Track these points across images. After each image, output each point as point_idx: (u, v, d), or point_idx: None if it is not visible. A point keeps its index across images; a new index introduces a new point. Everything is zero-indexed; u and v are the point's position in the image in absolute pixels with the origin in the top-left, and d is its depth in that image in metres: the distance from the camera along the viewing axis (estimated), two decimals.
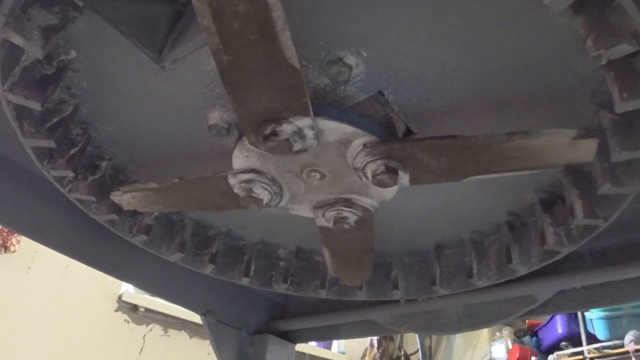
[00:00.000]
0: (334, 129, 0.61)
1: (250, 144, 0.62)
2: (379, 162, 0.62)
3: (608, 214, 0.69)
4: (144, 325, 2.58)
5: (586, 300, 0.89)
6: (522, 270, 0.83)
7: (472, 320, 0.96)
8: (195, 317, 2.50)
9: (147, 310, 2.58)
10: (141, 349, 2.54)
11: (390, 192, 0.70)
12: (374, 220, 0.72)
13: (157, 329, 2.61)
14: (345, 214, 0.69)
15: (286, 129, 0.59)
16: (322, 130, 0.61)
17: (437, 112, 0.65)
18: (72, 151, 0.74)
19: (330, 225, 0.71)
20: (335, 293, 1.00)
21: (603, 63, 0.49)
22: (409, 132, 0.69)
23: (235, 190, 0.67)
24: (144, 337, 2.55)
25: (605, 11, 0.47)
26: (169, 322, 2.65)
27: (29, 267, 2.37)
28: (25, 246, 2.29)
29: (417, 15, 0.56)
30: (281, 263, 1.01)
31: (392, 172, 0.62)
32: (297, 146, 0.61)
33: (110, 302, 2.51)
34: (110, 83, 0.71)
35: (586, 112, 0.63)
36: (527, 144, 0.54)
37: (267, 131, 0.59)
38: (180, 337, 2.67)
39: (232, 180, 0.67)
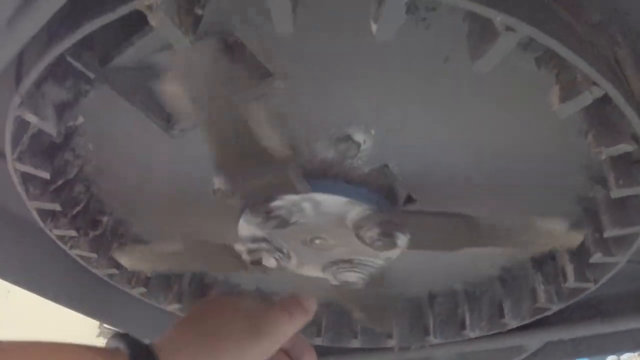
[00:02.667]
0: (330, 201, 0.64)
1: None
2: (377, 229, 0.64)
3: (598, 278, 0.73)
4: None
5: (573, 351, 0.92)
6: (513, 324, 0.86)
7: None
8: None
9: None
10: None
11: (395, 252, 0.72)
12: (383, 277, 0.75)
13: None
14: (354, 276, 0.71)
15: (281, 204, 0.62)
16: (318, 202, 0.64)
17: (439, 184, 0.67)
18: (75, 210, 0.74)
19: (341, 284, 0.73)
20: (330, 340, 1.01)
21: (603, 158, 0.51)
22: (409, 199, 0.72)
23: (243, 257, 0.69)
24: None
25: (606, 108, 0.50)
26: None
27: (8, 291, 2.32)
28: None
29: (425, 96, 0.58)
30: None
31: (390, 238, 0.65)
32: (295, 219, 0.64)
33: (92, 327, 2.47)
34: (115, 144, 0.71)
35: (580, 185, 0.66)
36: (523, 228, 0.57)
37: (264, 209, 0.62)
38: None
39: (239, 248, 0.69)
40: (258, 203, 0.63)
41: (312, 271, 0.75)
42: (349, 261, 0.72)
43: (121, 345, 0.50)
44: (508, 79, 0.51)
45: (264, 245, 0.68)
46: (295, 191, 0.61)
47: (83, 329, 2.45)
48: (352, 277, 0.71)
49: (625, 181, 0.54)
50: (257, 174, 0.60)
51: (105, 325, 2.50)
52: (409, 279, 0.95)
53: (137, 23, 0.56)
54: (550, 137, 0.61)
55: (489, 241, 0.63)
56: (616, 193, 0.55)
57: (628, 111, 0.46)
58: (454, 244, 0.65)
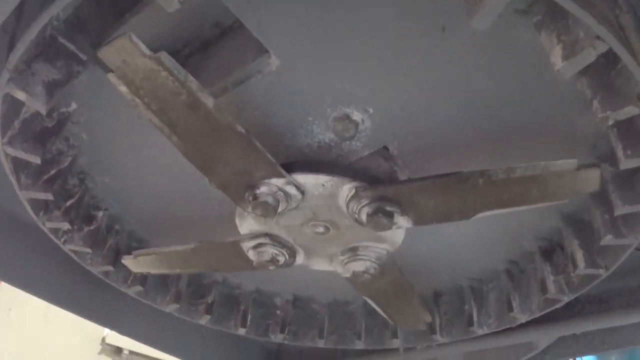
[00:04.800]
0: (315, 181, 0.61)
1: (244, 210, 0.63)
2: (371, 206, 0.60)
3: (609, 264, 0.70)
4: None
5: (586, 346, 0.89)
6: (523, 318, 0.82)
7: None
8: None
9: (131, 352, 2.50)
10: None
11: (398, 235, 0.69)
12: (396, 262, 0.72)
13: None
14: (361, 264, 0.68)
15: (264, 191, 0.59)
16: (304, 185, 0.61)
17: (440, 166, 0.65)
18: (69, 202, 0.73)
19: (351, 275, 0.70)
20: (333, 342, 0.98)
21: (610, 124, 0.49)
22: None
23: (249, 255, 0.67)
24: None
25: (610, 73, 0.48)
26: None
27: (9, 309, 2.29)
28: (6, 287, 2.21)
29: (424, 71, 0.56)
30: (278, 312, 0.99)
31: (386, 214, 0.61)
32: (283, 205, 0.61)
33: (94, 344, 2.42)
34: (110, 135, 0.70)
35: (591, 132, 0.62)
36: (527, 176, 0.53)
37: (249, 197, 0.60)
38: None
39: (244, 246, 0.67)
40: (242, 191, 0.61)
41: (320, 264, 0.72)
42: (354, 249, 0.70)
43: None
44: (508, 47, 0.50)
45: (267, 240, 0.66)
46: (277, 174, 0.59)
47: (84, 346, 2.41)
48: (360, 265, 0.69)
49: (635, 151, 0.52)
50: (231, 161, 0.57)
51: (107, 342, 2.47)
52: (413, 278, 0.93)
53: (128, 6, 0.56)
54: (554, 114, 0.59)
55: (495, 202, 0.58)
56: (625, 164, 0.53)
57: (634, 68, 0.44)
58: (466, 210, 0.59)
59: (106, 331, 2.46)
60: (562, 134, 0.61)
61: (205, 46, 0.61)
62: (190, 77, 0.50)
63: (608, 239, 0.65)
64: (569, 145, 0.62)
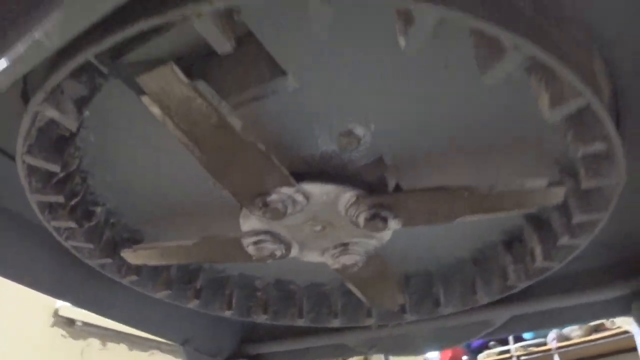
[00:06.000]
0: (320, 190, 0.68)
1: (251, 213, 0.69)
2: (368, 212, 0.69)
3: (562, 259, 0.82)
4: (82, 340, 2.50)
5: (536, 323, 1.02)
6: (485, 301, 0.94)
7: (437, 342, 1.07)
8: (134, 330, 2.46)
9: (85, 323, 2.50)
10: None
11: (387, 234, 0.77)
12: (381, 255, 0.80)
13: (95, 342, 2.54)
14: (351, 258, 0.76)
15: (275, 198, 0.66)
16: (310, 193, 0.68)
17: (429, 174, 0.73)
18: (74, 202, 0.75)
19: (341, 267, 0.78)
20: (311, 320, 1.06)
21: (579, 155, 0.59)
22: (398, 187, 0.77)
23: (248, 250, 0.73)
24: (81, 352, 2.47)
25: (583, 113, 0.57)
26: (107, 335, 2.58)
27: None
28: None
29: (425, 96, 0.64)
30: (259, 294, 1.06)
31: (381, 219, 0.70)
32: (290, 210, 0.69)
33: (46, 316, 2.41)
34: (114, 133, 0.73)
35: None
36: (506, 191, 0.63)
37: (260, 204, 0.66)
38: (119, 350, 2.61)
39: (245, 242, 0.72)
40: (254, 198, 0.67)
41: (313, 257, 0.79)
42: (345, 244, 0.77)
43: None
44: (503, 83, 0.58)
45: (267, 237, 0.72)
46: (288, 184, 0.65)
47: (37, 319, 2.39)
48: (350, 259, 0.76)
49: (594, 175, 0.62)
50: (248, 173, 0.63)
51: (60, 314, 2.45)
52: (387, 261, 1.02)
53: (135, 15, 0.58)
54: (526, 130, 0.68)
55: (476, 211, 0.68)
56: (586, 185, 0.63)
57: (604, 117, 0.53)
58: (450, 216, 0.70)
59: (59, 303, 2.44)
60: (535, 153, 0.70)
61: (220, 57, 0.65)
62: (223, 102, 0.55)
63: (564, 240, 0.76)
64: (538, 161, 0.72)
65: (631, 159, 0.63)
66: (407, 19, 0.44)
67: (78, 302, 0.96)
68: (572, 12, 0.56)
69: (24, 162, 0.64)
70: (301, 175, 0.67)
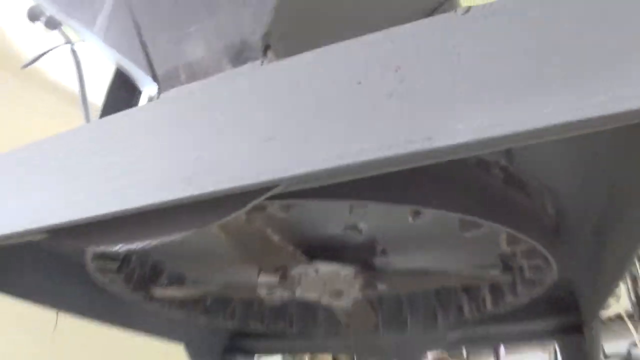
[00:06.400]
0: (328, 266, 0.88)
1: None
2: (363, 280, 0.91)
3: (507, 309, 1.05)
4: None
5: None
6: (442, 327, 1.17)
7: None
8: None
9: None
10: None
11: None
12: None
13: None
14: (343, 303, 0.97)
15: (292, 272, 0.87)
16: (319, 268, 0.88)
17: (410, 252, 0.93)
18: (129, 268, 0.92)
19: (332, 306, 0.99)
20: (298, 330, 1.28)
21: (525, 265, 0.80)
22: (383, 251, 0.97)
23: (260, 294, 0.93)
24: None
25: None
26: None
27: None
28: None
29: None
30: (255, 306, 1.26)
31: (372, 285, 0.91)
32: (303, 280, 0.90)
33: None
34: None
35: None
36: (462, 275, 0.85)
37: (279, 276, 0.85)
38: None
39: (260, 291, 0.92)
40: (277, 270, 0.86)
41: (311, 298, 0.99)
42: (340, 292, 0.97)
43: None
44: None
45: (278, 287, 0.92)
46: (304, 262, 0.84)
47: None
48: (341, 303, 0.97)
49: (534, 273, 0.84)
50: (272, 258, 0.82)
51: None
52: None
53: None
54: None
55: (444, 283, 0.90)
56: (527, 276, 0.85)
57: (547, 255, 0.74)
58: (418, 287, 0.92)
59: None
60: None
61: None
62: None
63: (508, 298, 0.98)
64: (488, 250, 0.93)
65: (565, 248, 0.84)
66: None
67: (84, 314, 1.09)
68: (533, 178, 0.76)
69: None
70: (313, 253, 0.86)
